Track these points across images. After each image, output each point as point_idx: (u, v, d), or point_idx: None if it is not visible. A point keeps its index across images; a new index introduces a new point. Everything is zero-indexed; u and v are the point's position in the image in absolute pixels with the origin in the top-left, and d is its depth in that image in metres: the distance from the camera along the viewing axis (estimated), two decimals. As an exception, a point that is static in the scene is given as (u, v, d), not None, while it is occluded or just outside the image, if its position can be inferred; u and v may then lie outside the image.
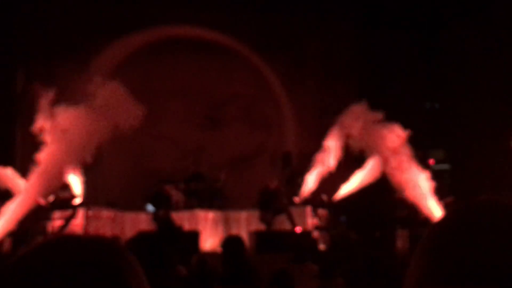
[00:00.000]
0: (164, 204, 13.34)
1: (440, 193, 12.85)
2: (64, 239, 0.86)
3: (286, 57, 15.72)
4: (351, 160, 14.51)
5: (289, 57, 15.79)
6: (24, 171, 14.39)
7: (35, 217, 12.99)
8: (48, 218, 12.90)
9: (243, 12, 15.55)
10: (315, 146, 15.29)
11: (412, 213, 13.09)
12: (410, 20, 14.66)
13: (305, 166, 15.18)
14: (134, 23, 15.03)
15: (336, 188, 14.64)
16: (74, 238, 0.87)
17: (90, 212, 13.31)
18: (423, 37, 14.71)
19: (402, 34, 14.92)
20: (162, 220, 13.00)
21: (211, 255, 10.07)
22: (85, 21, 14.50)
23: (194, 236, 11.72)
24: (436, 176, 13.81)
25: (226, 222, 13.61)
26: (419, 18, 14.38)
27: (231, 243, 4.87)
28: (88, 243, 0.84)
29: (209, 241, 13.01)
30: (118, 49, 15.07)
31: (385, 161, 12.30)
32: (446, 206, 11.91)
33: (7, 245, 11.47)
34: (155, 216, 13.19)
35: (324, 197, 14.12)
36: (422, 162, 14.32)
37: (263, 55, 15.82)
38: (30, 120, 13.81)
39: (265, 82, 16.10)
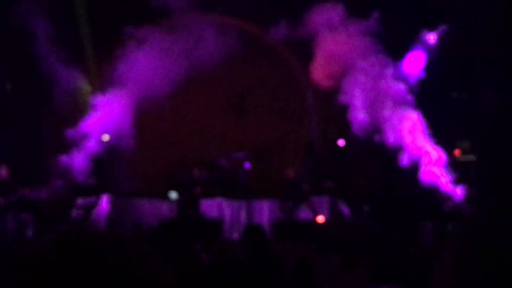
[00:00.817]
0: (187, 192, 13.44)
1: (466, 184, 12.71)
2: (82, 233, 0.87)
3: (312, 46, 15.61)
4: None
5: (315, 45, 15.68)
6: (49, 151, 14.66)
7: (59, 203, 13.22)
8: (72, 205, 13.09)
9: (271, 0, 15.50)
10: (338, 136, 15.24)
11: (437, 205, 12.98)
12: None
13: (328, 155, 15.16)
14: (161, 10, 15.06)
15: (359, 178, 14.60)
16: (92, 234, 0.88)
17: (114, 200, 13.45)
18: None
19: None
20: (185, 208, 13.10)
21: (233, 243, 10.11)
22: (118, 4, 14.59)
23: (216, 225, 11.77)
24: (462, 167, 13.66)
25: (248, 211, 13.64)
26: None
27: (252, 232, 4.87)
28: (102, 240, 0.85)
29: (231, 230, 13.07)
30: (142, 37, 15.12)
31: None
32: (473, 200, 11.77)
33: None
34: (179, 204, 13.30)
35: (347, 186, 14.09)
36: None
37: (288, 43, 15.74)
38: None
39: (290, 71, 16.02)
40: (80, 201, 13.24)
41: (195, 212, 12.42)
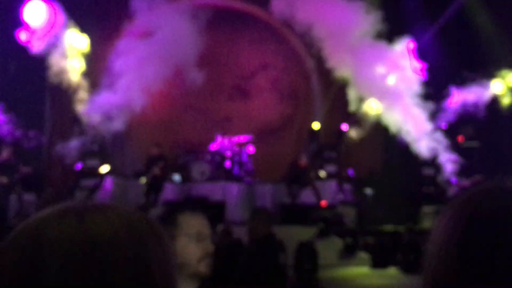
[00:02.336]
0: (189, 175, 13.54)
1: (469, 171, 12.78)
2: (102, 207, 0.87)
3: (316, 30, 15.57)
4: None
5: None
6: (53, 134, 14.74)
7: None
8: (76, 186, 13.21)
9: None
10: (342, 120, 15.26)
11: (439, 190, 13.07)
12: None
13: (332, 140, 15.20)
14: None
15: (361, 162, 14.67)
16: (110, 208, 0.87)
17: (118, 181, 13.56)
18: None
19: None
20: (188, 191, 13.21)
21: (236, 226, 10.23)
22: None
23: (220, 207, 11.88)
24: (465, 153, 13.70)
25: (252, 194, 13.73)
26: None
27: (258, 214, 4.96)
28: (124, 214, 0.85)
29: (235, 213, 13.19)
30: (148, 20, 15.12)
31: None
32: (474, 185, 11.82)
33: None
34: (181, 186, 13.40)
35: (350, 171, 14.16)
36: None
37: (292, 27, 15.71)
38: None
39: (294, 54, 16.01)
40: (84, 182, 13.36)
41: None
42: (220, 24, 15.66)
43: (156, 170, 12.47)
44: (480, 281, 0.78)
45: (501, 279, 0.76)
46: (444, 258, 0.83)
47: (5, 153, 11.81)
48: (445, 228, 0.84)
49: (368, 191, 13.57)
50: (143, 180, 12.82)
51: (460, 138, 14.58)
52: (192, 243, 2.09)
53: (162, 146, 13.20)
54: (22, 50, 13.07)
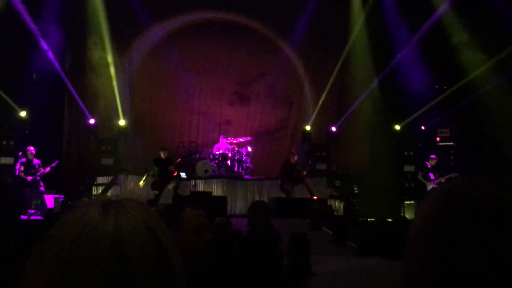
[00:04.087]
0: (193, 173, 13.54)
1: (445, 169, 12.79)
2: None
3: (308, 39, 15.60)
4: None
5: (311, 39, 15.67)
6: (71, 135, 14.74)
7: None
8: (92, 182, 13.21)
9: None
10: (333, 122, 15.30)
11: (418, 185, 13.07)
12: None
13: (323, 140, 15.22)
14: (171, 7, 15.08)
15: (349, 160, 14.68)
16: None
17: (129, 179, 13.55)
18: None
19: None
20: (194, 187, 13.22)
21: (236, 218, 10.23)
22: (127, 6, 14.59)
23: (221, 201, 11.88)
24: (442, 153, 13.74)
25: (250, 190, 13.75)
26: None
27: (258, 207, 4.92)
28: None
29: (235, 206, 13.20)
30: (156, 31, 15.16)
31: None
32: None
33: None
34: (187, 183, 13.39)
35: (337, 168, 14.17)
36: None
37: (287, 37, 15.74)
38: (76, 90, 14.13)
39: (289, 62, 16.03)
40: (99, 179, 13.37)
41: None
42: (221, 36, 15.70)
43: (171, 168, 12.53)
44: (449, 263, 0.77)
45: (469, 261, 0.75)
46: (418, 242, 0.82)
47: (30, 154, 11.81)
48: (422, 215, 0.83)
49: (355, 186, 13.58)
50: (184, 175, 12.92)
51: (437, 138, 14.64)
52: (192, 235, 2.10)
53: (168, 150, 13.20)
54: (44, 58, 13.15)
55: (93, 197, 12.04)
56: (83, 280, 0.75)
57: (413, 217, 12.71)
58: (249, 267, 4.27)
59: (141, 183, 12.67)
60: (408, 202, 13.01)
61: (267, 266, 4.37)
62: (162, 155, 12.59)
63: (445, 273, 0.77)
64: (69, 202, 10.75)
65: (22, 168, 11.71)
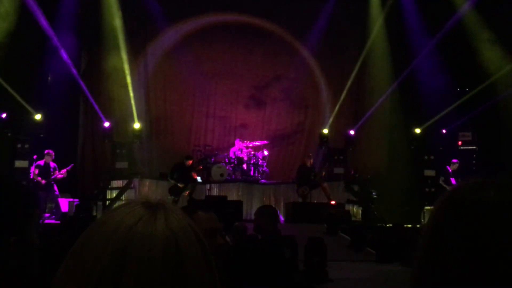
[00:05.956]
0: (208, 177, 13.53)
1: (467, 174, 12.58)
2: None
3: (325, 43, 15.53)
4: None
5: (328, 42, 15.60)
6: (86, 139, 14.85)
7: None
8: (107, 186, 13.24)
9: (285, 0, 15.45)
10: (351, 126, 15.17)
11: (439, 190, 12.89)
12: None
13: (341, 144, 15.10)
14: (186, 11, 15.13)
15: (367, 165, 14.54)
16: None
17: (145, 182, 13.58)
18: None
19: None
20: (209, 191, 13.21)
21: (252, 222, 10.16)
22: (142, 10, 14.68)
23: (238, 205, 11.84)
24: (464, 157, 13.53)
25: (266, 194, 13.69)
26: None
27: (264, 212, 4.82)
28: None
29: (251, 210, 13.14)
30: (171, 34, 15.21)
31: None
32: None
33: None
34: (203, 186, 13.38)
35: (355, 172, 14.03)
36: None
37: (303, 40, 15.69)
38: (92, 93, 14.23)
39: (305, 65, 15.96)
40: (114, 183, 13.40)
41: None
42: (237, 40, 15.71)
43: (193, 175, 12.66)
44: (453, 267, 0.77)
45: (473, 262, 0.76)
46: (426, 244, 0.83)
47: (48, 157, 11.89)
48: (430, 218, 0.85)
49: (374, 191, 13.42)
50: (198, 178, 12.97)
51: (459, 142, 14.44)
52: (205, 238, 2.05)
53: (192, 158, 13.23)
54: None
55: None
56: (136, 283, 0.74)
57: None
58: (257, 274, 4.20)
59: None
60: (428, 208, 12.81)
61: (275, 272, 4.29)
62: (186, 163, 12.63)
63: (453, 274, 0.77)
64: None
65: (37, 172, 11.78)
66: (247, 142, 14.52)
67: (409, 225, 11.41)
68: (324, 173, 12.91)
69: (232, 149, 14.35)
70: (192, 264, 0.78)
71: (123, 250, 0.76)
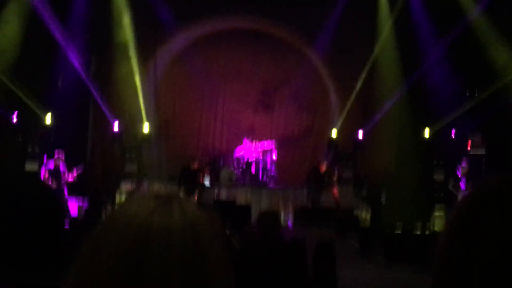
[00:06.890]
0: (217, 180, 13.59)
1: (477, 178, 12.54)
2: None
3: (334, 46, 15.53)
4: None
5: (336, 46, 15.60)
6: (95, 142, 14.97)
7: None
8: (116, 189, 13.33)
9: (293, 4, 15.47)
10: (359, 129, 15.16)
11: (448, 195, 12.85)
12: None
13: (349, 148, 15.10)
14: (196, 15, 15.20)
15: (376, 168, 14.53)
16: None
17: (154, 186, 13.66)
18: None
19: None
20: (217, 195, 13.26)
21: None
22: (152, 14, 14.77)
23: (246, 210, 11.87)
24: (473, 161, 13.47)
25: (275, 199, 13.71)
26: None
27: (266, 216, 4.78)
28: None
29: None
30: (180, 38, 15.30)
31: None
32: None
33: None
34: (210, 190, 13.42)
35: (364, 176, 14.03)
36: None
37: (312, 44, 15.70)
38: (101, 97, 14.34)
39: (313, 69, 15.98)
40: (123, 185, 13.49)
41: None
42: (246, 43, 15.76)
43: (200, 180, 12.73)
44: (478, 268, 0.74)
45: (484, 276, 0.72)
46: (448, 247, 0.79)
47: (58, 159, 11.98)
48: (452, 218, 0.81)
49: (382, 196, 13.41)
50: (207, 182, 13.05)
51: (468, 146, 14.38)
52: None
53: (197, 160, 13.28)
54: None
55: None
56: (157, 278, 0.72)
57: (442, 228, 12.45)
58: (261, 281, 4.22)
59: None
60: (437, 213, 12.78)
61: (279, 279, 4.30)
62: (192, 166, 12.66)
63: (475, 279, 0.74)
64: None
65: (47, 175, 11.88)
66: (255, 142, 14.56)
67: (418, 232, 11.39)
68: (336, 178, 12.91)
69: (240, 148, 14.39)
70: (213, 255, 0.77)
71: (141, 245, 0.73)
